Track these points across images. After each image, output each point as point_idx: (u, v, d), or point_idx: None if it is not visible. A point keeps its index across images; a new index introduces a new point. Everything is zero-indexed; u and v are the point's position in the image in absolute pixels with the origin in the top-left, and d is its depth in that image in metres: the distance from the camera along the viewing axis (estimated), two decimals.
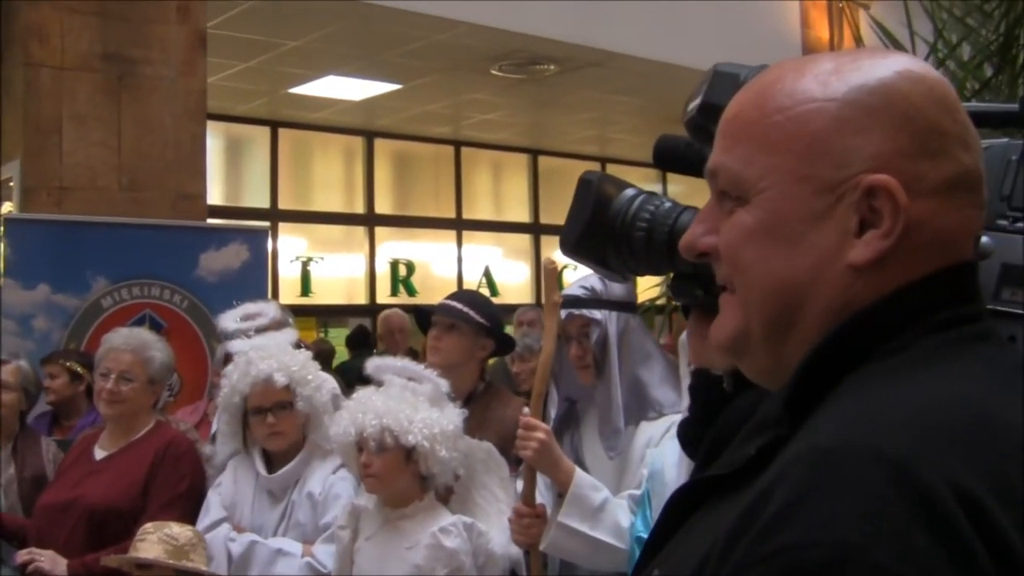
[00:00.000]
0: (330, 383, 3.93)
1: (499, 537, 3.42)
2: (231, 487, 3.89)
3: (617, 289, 3.33)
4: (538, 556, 3.14)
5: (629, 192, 1.68)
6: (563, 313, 3.23)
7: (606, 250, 1.67)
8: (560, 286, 3.19)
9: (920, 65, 1.13)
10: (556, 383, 3.41)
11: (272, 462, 3.85)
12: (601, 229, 1.66)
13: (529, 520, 3.09)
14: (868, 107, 1.07)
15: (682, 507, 1.16)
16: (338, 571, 3.53)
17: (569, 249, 1.72)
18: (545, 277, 3.06)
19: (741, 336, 1.14)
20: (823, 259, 1.07)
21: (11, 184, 6.62)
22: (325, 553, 3.65)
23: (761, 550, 0.89)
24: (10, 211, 6.56)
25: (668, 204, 1.64)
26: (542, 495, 3.19)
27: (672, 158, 1.65)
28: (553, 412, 3.39)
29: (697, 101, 1.50)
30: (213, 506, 3.88)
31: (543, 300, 10.61)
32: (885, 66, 1.10)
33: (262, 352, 3.85)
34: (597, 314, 3.28)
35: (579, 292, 3.31)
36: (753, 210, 1.10)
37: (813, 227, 1.07)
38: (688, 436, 1.94)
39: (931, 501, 0.85)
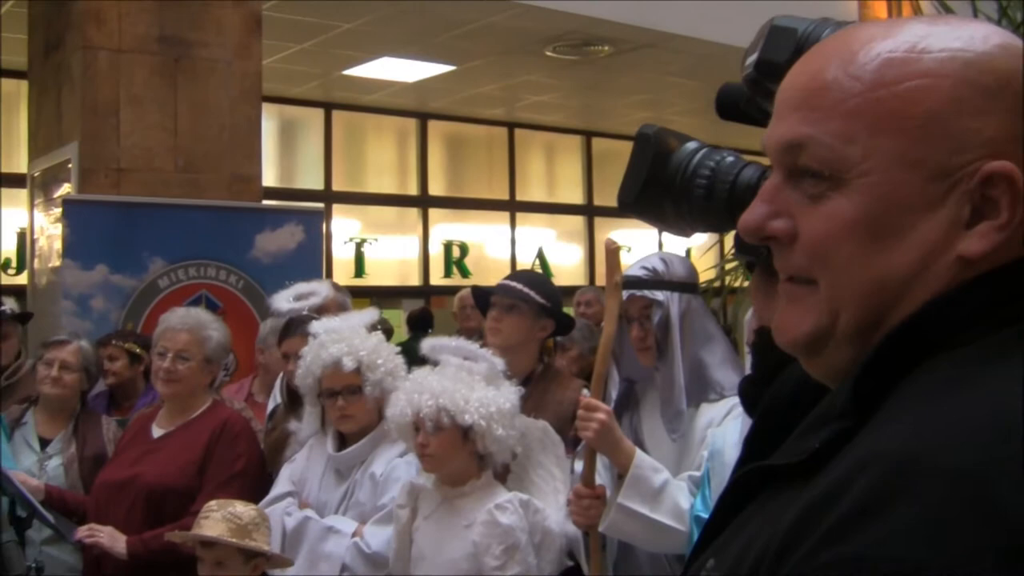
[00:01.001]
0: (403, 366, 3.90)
1: (555, 514, 3.41)
2: (303, 463, 3.94)
3: (679, 270, 3.29)
4: (597, 537, 3.11)
5: (690, 145, 1.60)
6: (624, 294, 3.19)
7: (664, 205, 1.61)
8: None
9: (1010, 37, 1.05)
10: (616, 364, 3.37)
11: (346, 442, 3.87)
12: (660, 184, 1.59)
13: (589, 501, 3.07)
14: (985, 88, 0.99)
15: (740, 494, 1.10)
16: (396, 550, 3.53)
17: (627, 205, 1.65)
18: (607, 257, 3.03)
19: (821, 336, 1.05)
20: (930, 252, 0.99)
21: (69, 166, 6.67)
22: (374, 534, 3.65)
23: (823, 556, 0.85)
24: (69, 193, 6.60)
25: (731, 158, 1.57)
26: (601, 476, 3.16)
27: (734, 109, 1.61)
28: (613, 394, 3.36)
29: (754, 57, 1.44)
30: (282, 480, 3.93)
31: (597, 282, 10.65)
32: (983, 38, 1.02)
33: (334, 335, 3.84)
34: (659, 295, 3.24)
35: (640, 273, 3.27)
36: (853, 196, 1.00)
37: (922, 217, 0.99)
38: (749, 394, 1.90)
39: (1004, 520, 0.80)
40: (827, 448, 0.96)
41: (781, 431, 1.12)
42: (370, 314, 4.09)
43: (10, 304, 5.87)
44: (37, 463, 4.54)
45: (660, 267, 3.28)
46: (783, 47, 1.37)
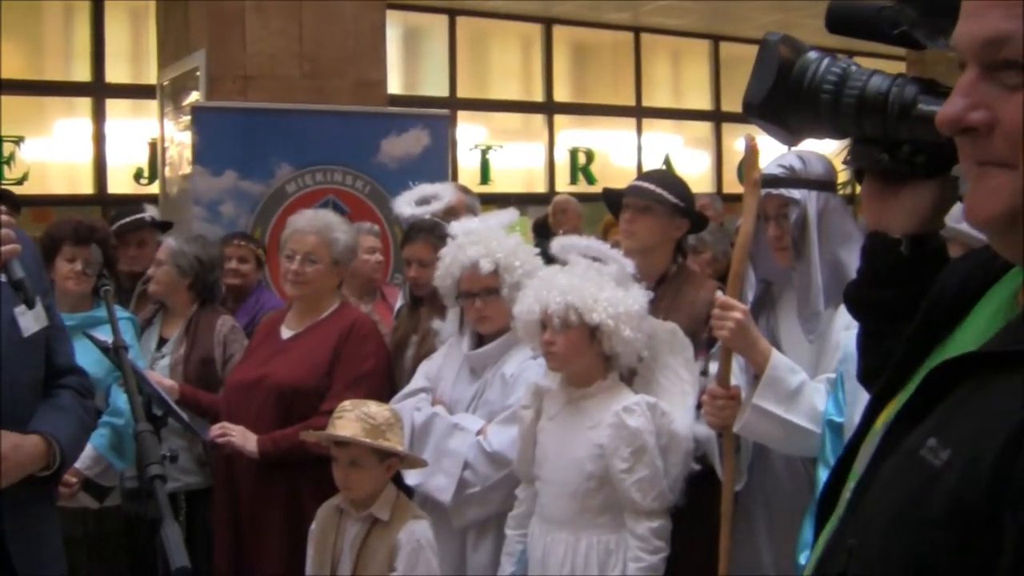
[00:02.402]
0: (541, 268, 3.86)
1: (682, 418, 3.37)
2: (440, 361, 3.99)
3: (817, 167, 3.17)
4: (731, 438, 3.05)
5: (812, 54, 1.64)
6: (761, 192, 3.08)
7: (788, 112, 1.64)
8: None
9: None
10: (753, 264, 3.27)
11: (483, 342, 3.89)
12: (785, 90, 1.63)
13: (723, 401, 3.01)
14: None
15: (944, 380, 1.14)
16: (521, 450, 3.53)
17: (753, 107, 1.68)
18: (746, 155, 2.93)
19: (1014, 215, 1.09)
20: None
21: (197, 74, 6.74)
22: (497, 433, 3.67)
23: None
24: (197, 101, 6.67)
25: (855, 66, 1.60)
26: (736, 377, 3.09)
27: (853, 23, 1.66)
28: (750, 295, 3.27)
29: None
30: (418, 376, 3.99)
31: (726, 189, 10.44)
32: None
33: (472, 236, 3.84)
34: (796, 193, 3.12)
35: (777, 171, 3.16)
36: None
37: None
38: (857, 298, 1.83)
39: None
40: None
41: (945, 326, 1.22)
42: (509, 215, 4.06)
43: (152, 212, 5.96)
44: (149, 362, 4.64)
45: (797, 165, 3.16)
46: None
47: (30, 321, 2.68)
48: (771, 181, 3.13)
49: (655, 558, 3.27)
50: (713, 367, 3.21)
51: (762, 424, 2.97)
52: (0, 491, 2.55)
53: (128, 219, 5.61)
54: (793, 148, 2.83)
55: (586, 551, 3.32)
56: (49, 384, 2.82)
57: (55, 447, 2.68)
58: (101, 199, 9.21)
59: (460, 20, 11.22)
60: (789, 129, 1.68)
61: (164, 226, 5.92)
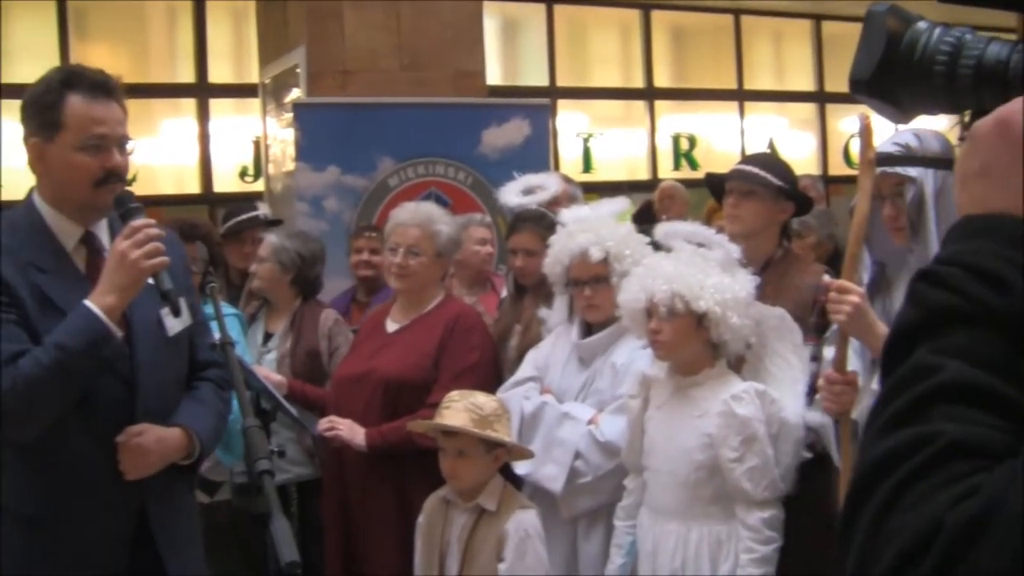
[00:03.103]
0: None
1: (793, 404, 3.32)
2: (547, 350, 3.97)
3: (933, 145, 3.05)
4: (848, 425, 2.96)
5: (922, 23, 1.55)
6: (876, 171, 2.98)
7: (898, 87, 1.56)
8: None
9: None
10: (868, 246, 3.17)
11: (591, 330, 3.86)
12: (894, 63, 1.54)
13: (841, 387, 2.91)
14: None
15: None
16: (629, 440, 3.50)
17: (861, 83, 1.59)
18: (860, 133, 2.84)
19: None
20: None
21: (298, 71, 6.79)
22: (610, 423, 3.63)
23: None
24: (298, 97, 6.72)
25: (970, 34, 1.50)
26: (852, 362, 2.99)
27: None
28: (865, 277, 3.17)
29: None
30: (526, 365, 3.98)
31: (831, 171, 10.24)
32: None
33: (582, 224, 3.82)
34: (912, 172, 3.01)
35: (892, 149, 3.04)
36: None
37: None
38: None
39: None
40: None
41: None
42: (620, 203, 4.02)
43: (264, 209, 6.02)
44: (256, 357, 4.67)
45: (913, 142, 3.04)
46: None
47: (174, 321, 2.85)
48: (886, 160, 3.02)
49: (767, 549, 3.23)
50: (827, 352, 3.12)
51: None
52: (147, 479, 2.78)
53: (243, 217, 5.67)
54: (905, 125, 2.74)
55: (697, 542, 3.30)
56: (191, 377, 3.02)
57: (195, 439, 2.88)
58: (207, 198, 9.33)
59: (557, 8, 11.14)
60: (900, 105, 1.59)
61: (275, 223, 5.97)
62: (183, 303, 2.79)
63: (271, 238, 4.98)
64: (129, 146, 2.81)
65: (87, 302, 2.61)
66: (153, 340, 2.82)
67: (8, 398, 2.54)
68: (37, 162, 2.77)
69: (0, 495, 2.74)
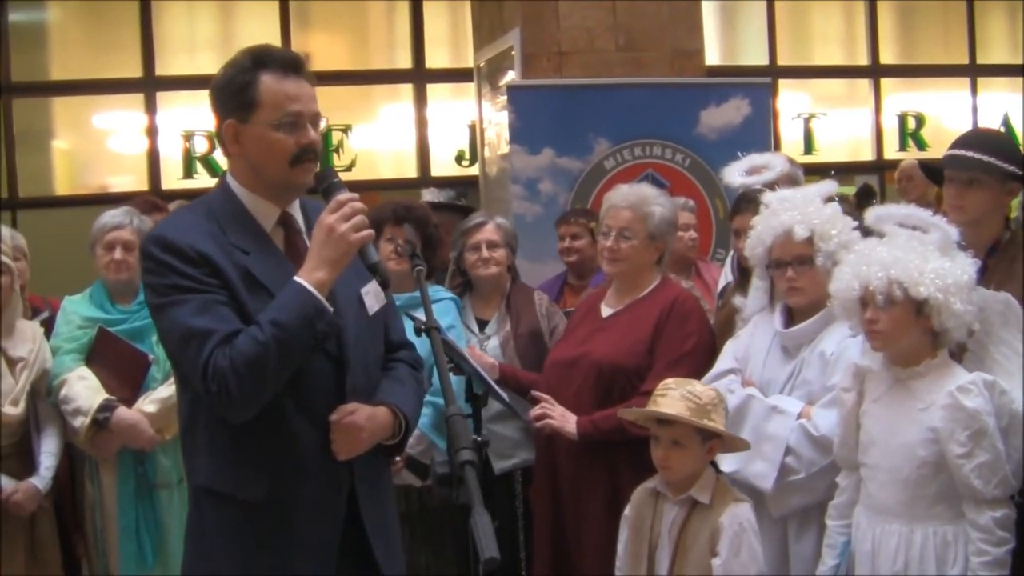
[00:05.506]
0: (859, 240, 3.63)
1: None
2: (747, 340, 3.82)
3: None
4: None
5: None
6: None
7: None
8: None
9: None
10: None
11: (794, 318, 3.70)
12: None
13: None
14: None
15: None
16: (842, 436, 3.35)
17: None
18: None
19: None
20: None
21: (513, 53, 6.79)
22: (823, 417, 3.47)
23: None
24: (513, 80, 6.71)
25: None
26: None
27: None
28: None
29: None
30: (726, 356, 3.85)
31: None
32: None
33: (786, 203, 3.66)
34: None
35: None
36: None
37: None
38: None
39: None
40: None
41: None
42: (828, 186, 3.83)
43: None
44: (477, 344, 4.63)
45: None
46: None
47: (372, 300, 2.86)
48: None
49: (1000, 551, 3.05)
50: None
51: None
52: (355, 459, 2.77)
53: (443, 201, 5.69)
54: None
55: (921, 544, 3.14)
56: (385, 358, 3.01)
57: (400, 417, 2.87)
58: (424, 182, 9.45)
59: None
60: None
61: (467, 211, 5.97)
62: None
63: (501, 222, 4.92)
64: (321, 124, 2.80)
65: (297, 278, 2.62)
66: (356, 318, 2.81)
67: (228, 377, 2.55)
68: (232, 144, 2.77)
69: (198, 479, 2.76)
